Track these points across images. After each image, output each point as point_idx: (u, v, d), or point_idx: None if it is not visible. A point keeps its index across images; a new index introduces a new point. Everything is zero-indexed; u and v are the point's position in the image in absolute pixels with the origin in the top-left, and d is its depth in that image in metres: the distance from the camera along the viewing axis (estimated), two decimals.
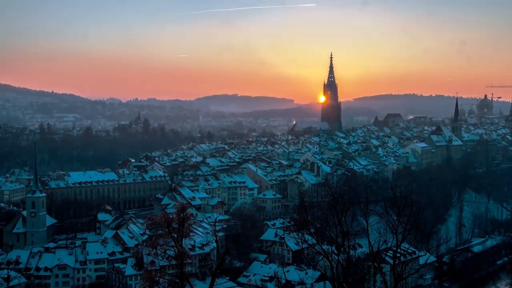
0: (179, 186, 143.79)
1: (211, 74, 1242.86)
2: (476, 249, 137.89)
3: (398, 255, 38.01)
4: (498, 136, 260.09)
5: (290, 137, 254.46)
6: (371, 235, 38.60)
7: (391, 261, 39.25)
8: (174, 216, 53.42)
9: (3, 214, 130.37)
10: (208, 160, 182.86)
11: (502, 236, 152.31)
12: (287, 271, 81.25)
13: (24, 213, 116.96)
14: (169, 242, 52.12)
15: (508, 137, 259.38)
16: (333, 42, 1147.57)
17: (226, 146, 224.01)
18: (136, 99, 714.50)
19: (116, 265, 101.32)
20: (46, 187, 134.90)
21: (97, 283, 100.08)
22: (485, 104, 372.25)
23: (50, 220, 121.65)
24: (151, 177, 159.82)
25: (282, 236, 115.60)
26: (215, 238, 56.75)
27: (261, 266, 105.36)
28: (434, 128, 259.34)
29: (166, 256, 59.68)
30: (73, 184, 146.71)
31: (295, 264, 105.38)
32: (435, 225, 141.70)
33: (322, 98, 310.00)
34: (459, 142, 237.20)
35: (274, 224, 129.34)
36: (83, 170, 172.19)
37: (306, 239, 39.00)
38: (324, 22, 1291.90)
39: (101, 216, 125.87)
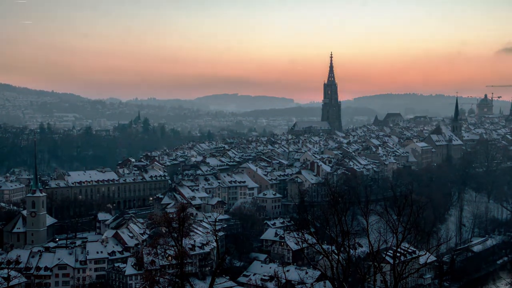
0: (179, 186, 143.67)
1: (211, 73, 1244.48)
2: (476, 248, 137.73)
3: (398, 254, 38.05)
4: (498, 136, 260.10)
5: (290, 137, 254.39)
6: (371, 235, 38.66)
7: (391, 261, 39.28)
8: (174, 215, 53.62)
9: (3, 213, 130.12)
10: (208, 160, 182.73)
11: (502, 235, 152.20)
12: (287, 270, 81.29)
13: (24, 212, 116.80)
14: (169, 241, 52.29)
15: (508, 136, 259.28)
16: (333, 41, 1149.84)
17: (226, 146, 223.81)
18: (136, 98, 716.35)
19: (116, 264, 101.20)
20: (46, 187, 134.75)
21: (97, 283, 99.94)
22: (485, 103, 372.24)
23: (50, 220, 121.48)
24: (151, 176, 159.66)
25: (282, 235, 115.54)
26: (215, 238, 56.97)
27: (261, 266, 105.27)
28: (434, 127, 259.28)
29: (166, 256, 59.88)
30: (73, 183, 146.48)
31: (295, 264, 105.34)
32: (435, 224, 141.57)
33: (322, 98, 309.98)
34: (459, 142, 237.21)
35: (274, 224, 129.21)
36: (83, 170, 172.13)
37: (306, 239, 39.05)
38: (325, 22, 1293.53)
39: (101, 215, 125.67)
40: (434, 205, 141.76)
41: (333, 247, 38.10)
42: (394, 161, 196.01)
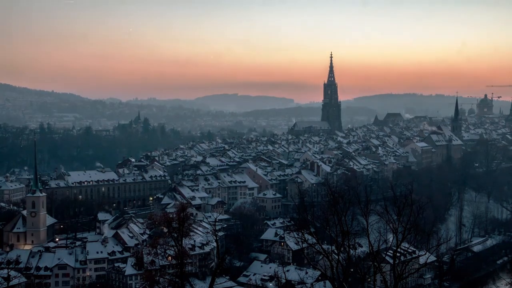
0: (179, 186, 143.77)
1: (212, 74, 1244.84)
2: (476, 248, 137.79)
3: (398, 254, 38.01)
4: (498, 136, 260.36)
5: (290, 137, 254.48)
6: (371, 235, 38.63)
7: (391, 261, 39.26)
8: (174, 215, 53.57)
9: (3, 213, 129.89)
10: (208, 160, 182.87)
11: (502, 235, 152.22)
12: (287, 270, 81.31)
13: (24, 212, 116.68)
14: (169, 241, 52.24)
15: (508, 136, 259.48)
16: (333, 42, 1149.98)
17: (226, 146, 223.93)
18: (136, 98, 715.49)
19: (116, 264, 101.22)
20: (46, 187, 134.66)
21: (97, 283, 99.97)
22: (485, 103, 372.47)
23: (50, 220, 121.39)
24: (151, 176, 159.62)
25: (282, 235, 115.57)
26: (215, 238, 56.91)
27: (261, 266, 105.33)
28: (434, 127, 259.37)
29: (166, 256, 59.83)
30: (73, 183, 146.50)
31: (295, 264, 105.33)
32: (435, 224, 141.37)
33: (322, 98, 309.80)
34: (459, 142, 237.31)
35: (274, 224, 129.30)
36: (83, 170, 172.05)
37: (306, 239, 39.01)
38: (325, 22, 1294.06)
39: (101, 215, 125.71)
40: (434, 205, 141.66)
41: (333, 247, 38.08)
42: (394, 161, 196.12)
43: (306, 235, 38.76)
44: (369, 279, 48.87)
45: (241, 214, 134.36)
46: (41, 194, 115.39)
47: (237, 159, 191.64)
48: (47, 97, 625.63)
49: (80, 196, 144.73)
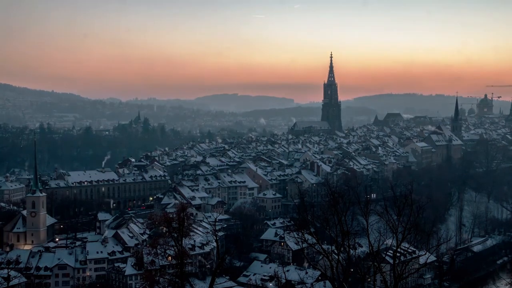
0: (179, 186, 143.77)
1: (212, 74, 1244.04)
2: (476, 248, 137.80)
3: (398, 254, 38.00)
4: (498, 136, 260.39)
5: (290, 137, 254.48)
6: (371, 235, 38.60)
7: (391, 261, 39.25)
8: (174, 215, 53.60)
9: (3, 213, 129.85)
10: (208, 160, 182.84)
11: (502, 235, 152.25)
12: (287, 270, 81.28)
13: (24, 212, 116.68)
14: (169, 241, 52.26)
15: (508, 136, 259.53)
16: (333, 42, 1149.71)
17: (226, 146, 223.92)
18: (136, 98, 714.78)
19: (116, 264, 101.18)
20: (46, 187, 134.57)
21: (97, 283, 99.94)
22: (485, 103, 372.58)
23: (50, 220, 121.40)
24: (151, 176, 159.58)
25: (282, 235, 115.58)
26: (215, 238, 56.90)
27: (261, 266, 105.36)
28: (434, 127, 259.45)
29: (166, 256, 59.83)
30: (73, 183, 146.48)
31: (295, 264, 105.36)
32: (435, 224, 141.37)
33: (322, 98, 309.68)
34: (459, 142, 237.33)
35: (274, 224, 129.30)
36: (83, 170, 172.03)
37: (306, 239, 39.00)
38: (325, 22, 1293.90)
39: (101, 215, 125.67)
40: (434, 205, 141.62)
41: (333, 247, 38.07)
42: (394, 161, 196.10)
43: (306, 235, 38.74)
44: (369, 279, 48.90)
45: (241, 214, 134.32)
46: (41, 194, 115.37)
47: (237, 159, 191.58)
48: (47, 97, 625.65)
49: (80, 196, 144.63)
